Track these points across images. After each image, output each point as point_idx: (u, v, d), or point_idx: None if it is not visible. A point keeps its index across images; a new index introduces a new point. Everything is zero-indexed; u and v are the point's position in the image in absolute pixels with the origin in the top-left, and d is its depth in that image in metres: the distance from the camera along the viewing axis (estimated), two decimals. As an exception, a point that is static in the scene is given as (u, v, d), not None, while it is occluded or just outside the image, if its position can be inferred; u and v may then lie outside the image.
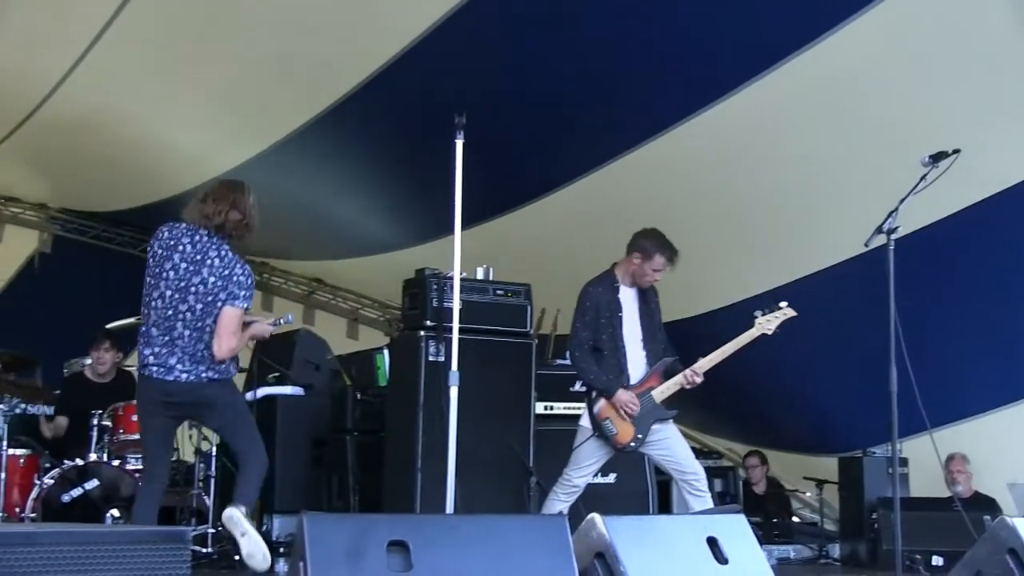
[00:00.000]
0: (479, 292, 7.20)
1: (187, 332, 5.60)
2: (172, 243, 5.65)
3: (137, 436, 7.72)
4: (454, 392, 6.16)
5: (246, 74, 8.37)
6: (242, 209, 5.67)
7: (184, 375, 5.62)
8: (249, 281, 5.70)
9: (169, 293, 5.61)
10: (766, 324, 6.46)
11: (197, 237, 5.65)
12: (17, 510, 7.52)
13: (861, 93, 7.19)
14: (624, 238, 6.68)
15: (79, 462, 7.59)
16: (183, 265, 5.61)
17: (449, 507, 6.04)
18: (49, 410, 8.71)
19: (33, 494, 7.43)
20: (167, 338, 5.62)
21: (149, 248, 5.75)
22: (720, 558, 4.73)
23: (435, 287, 7.03)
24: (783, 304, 6.48)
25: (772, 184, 8.07)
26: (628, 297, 6.66)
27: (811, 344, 7.02)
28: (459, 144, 6.25)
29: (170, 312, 5.60)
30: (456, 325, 6.38)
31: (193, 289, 5.59)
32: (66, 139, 9.91)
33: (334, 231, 11.23)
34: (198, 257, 5.62)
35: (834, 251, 8.13)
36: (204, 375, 5.65)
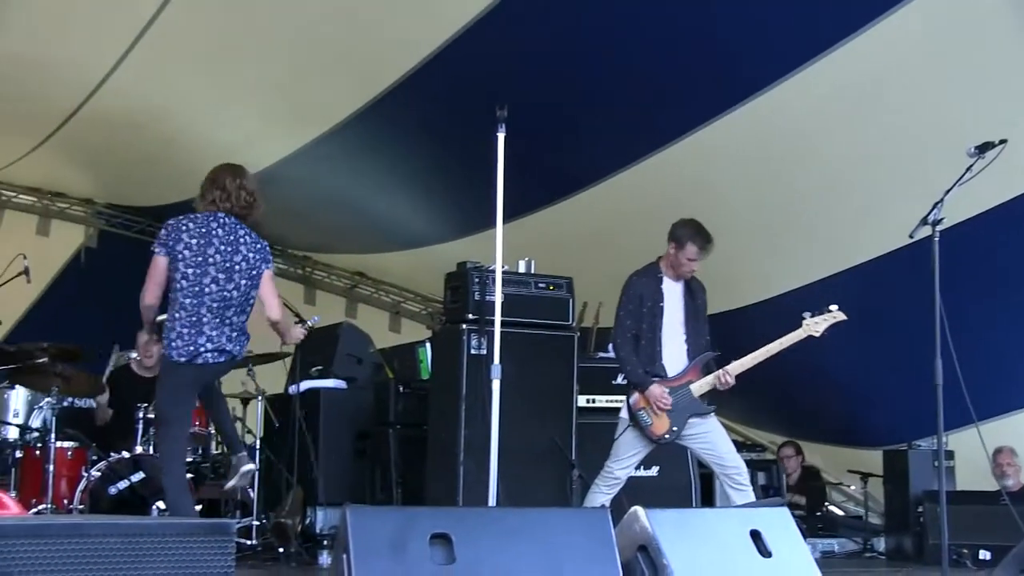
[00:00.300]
0: (521, 285, 7.20)
1: (234, 309, 5.88)
2: (204, 231, 5.87)
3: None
4: (496, 385, 6.16)
5: (287, 69, 8.41)
6: (248, 188, 6.01)
7: (235, 352, 5.95)
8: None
9: (222, 276, 5.85)
10: (814, 326, 6.41)
11: (222, 221, 5.93)
12: (65, 502, 7.59)
13: (891, 91, 7.16)
14: (666, 232, 6.67)
15: (125, 455, 7.66)
16: (223, 248, 5.89)
17: (491, 500, 6.05)
18: (94, 403, 8.79)
19: (81, 486, 7.50)
20: (218, 320, 5.85)
21: (175, 241, 5.84)
22: (763, 551, 4.71)
23: (477, 280, 7.04)
24: (833, 307, 6.41)
25: (812, 177, 8.03)
26: (672, 289, 6.65)
27: (855, 337, 6.96)
28: (501, 137, 6.25)
29: (224, 294, 5.85)
30: (498, 318, 6.37)
31: (237, 268, 5.90)
32: (111, 134, 10.00)
33: (376, 225, 11.27)
34: (231, 238, 5.92)
35: (877, 244, 8.07)
36: (244, 348, 6.05)
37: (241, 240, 5.92)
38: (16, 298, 10.37)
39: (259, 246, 5.99)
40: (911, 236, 5.88)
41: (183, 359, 5.79)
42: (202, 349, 5.80)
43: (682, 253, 6.56)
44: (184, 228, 5.87)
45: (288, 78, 8.54)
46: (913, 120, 7.28)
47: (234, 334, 5.90)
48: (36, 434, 8.11)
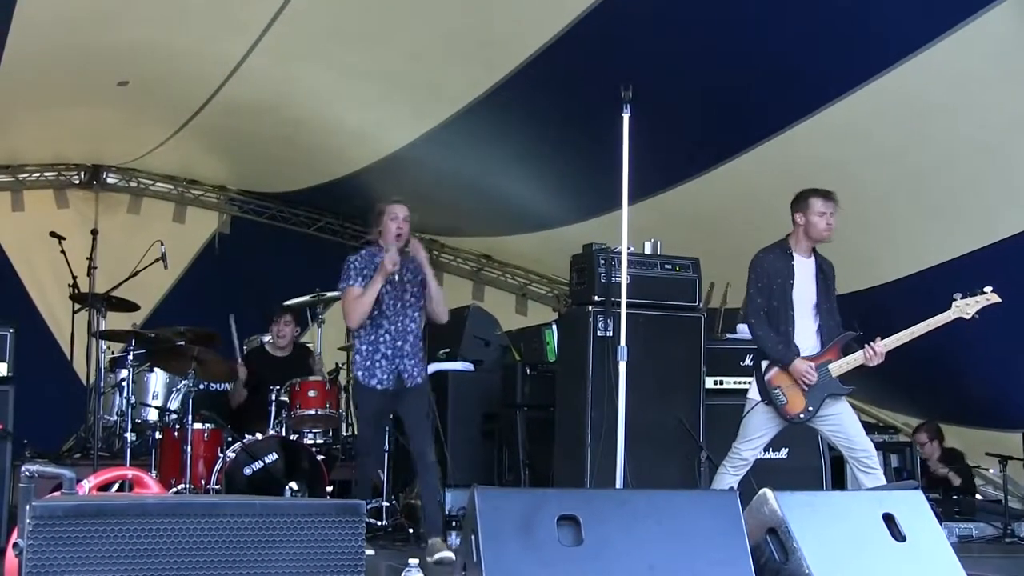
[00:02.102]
0: (647, 267, 7.17)
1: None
2: None
3: (312, 411, 8.01)
4: (623, 367, 6.14)
5: (416, 52, 8.46)
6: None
7: None
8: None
9: None
10: (964, 308, 6.22)
11: None
12: (202, 482, 7.80)
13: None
14: (794, 211, 6.55)
15: (259, 436, 7.82)
16: None
17: (619, 482, 6.04)
18: (228, 385, 8.99)
19: (217, 467, 7.69)
20: None
21: None
22: (897, 535, 4.62)
23: (603, 262, 7.02)
24: (987, 289, 6.21)
25: (950, 152, 7.79)
26: (803, 267, 6.53)
27: (995, 315, 6.76)
28: (626, 118, 6.21)
29: None
30: (624, 300, 6.34)
31: None
32: (243, 121, 10.18)
33: (502, 207, 11.29)
34: None
35: (1021, 218, 7.82)
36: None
37: None
38: (154, 283, 10.67)
39: None
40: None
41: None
42: None
43: (810, 213, 6.44)
44: None
45: (413, 62, 8.59)
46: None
47: None
48: (174, 416, 8.35)
